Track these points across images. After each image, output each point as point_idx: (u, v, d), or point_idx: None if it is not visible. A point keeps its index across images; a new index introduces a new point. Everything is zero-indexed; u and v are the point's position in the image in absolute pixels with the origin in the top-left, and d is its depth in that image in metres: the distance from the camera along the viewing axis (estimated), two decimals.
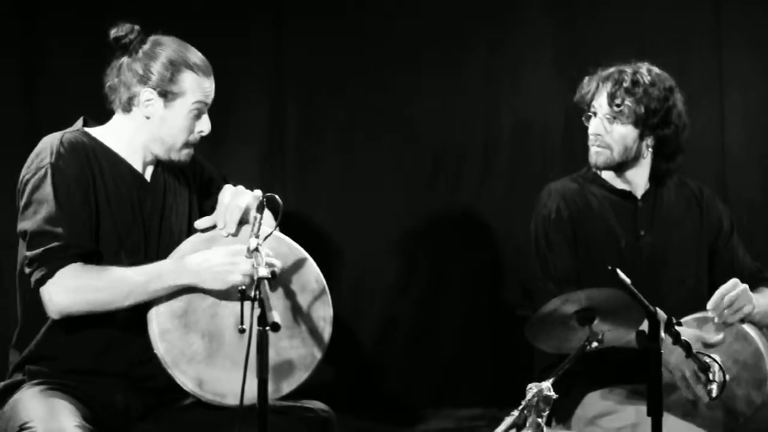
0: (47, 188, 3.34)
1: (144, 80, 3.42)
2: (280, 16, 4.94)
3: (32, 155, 3.43)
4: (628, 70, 3.89)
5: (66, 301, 3.32)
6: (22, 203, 3.39)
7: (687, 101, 3.99)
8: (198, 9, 4.81)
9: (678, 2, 4.94)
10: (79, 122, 3.54)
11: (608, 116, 3.89)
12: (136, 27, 3.46)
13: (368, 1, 4.98)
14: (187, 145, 3.49)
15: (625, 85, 3.86)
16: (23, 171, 3.42)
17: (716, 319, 3.72)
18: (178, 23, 3.60)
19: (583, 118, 3.95)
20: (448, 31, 4.99)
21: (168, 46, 3.45)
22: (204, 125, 3.50)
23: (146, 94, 3.43)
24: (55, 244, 3.31)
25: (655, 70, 3.92)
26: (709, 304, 3.72)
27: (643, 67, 3.91)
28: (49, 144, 3.41)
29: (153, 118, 3.45)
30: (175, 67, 3.42)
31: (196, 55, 3.47)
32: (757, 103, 4.95)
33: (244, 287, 3.12)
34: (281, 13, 4.94)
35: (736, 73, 4.93)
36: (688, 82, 4.20)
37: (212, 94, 3.49)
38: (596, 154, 3.93)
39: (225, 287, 3.32)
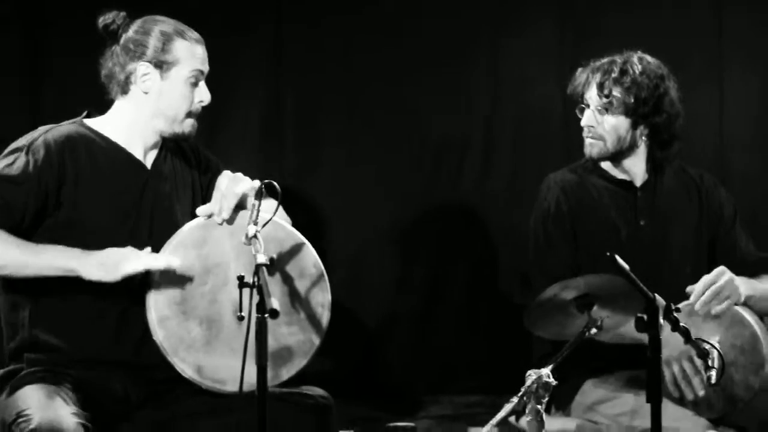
0: (7, 160, 3.39)
1: (138, 55, 3.47)
2: (280, 8, 4.94)
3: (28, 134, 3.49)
4: (619, 60, 3.88)
5: None
6: None
7: (686, 87, 3.97)
8: (197, 2, 4.81)
9: None
10: (81, 116, 3.56)
11: (599, 107, 3.88)
12: (122, 12, 3.51)
13: None
14: (189, 115, 3.52)
15: (613, 75, 3.84)
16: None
17: (700, 312, 3.70)
18: (177, 17, 3.60)
19: (576, 111, 3.95)
20: (449, 22, 4.99)
21: (157, 20, 3.52)
22: (203, 94, 3.53)
23: (142, 68, 3.47)
24: None
25: (647, 58, 3.90)
26: (692, 296, 3.71)
27: (634, 56, 3.88)
28: (40, 130, 3.47)
29: (151, 93, 3.48)
30: (166, 36, 3.47)
31: (184, 26, 3.53)
32: (757, 89, 4.95)
33: (243, 275, 3.12)
34: (281, 4, 4.94)
35: (736, 58, 4.93)
36: (687, 67, 4.21)
37: (207, 63, 3.53)
38: (590, 146, 3.92)
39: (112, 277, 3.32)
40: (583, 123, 3.91)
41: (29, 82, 4.79)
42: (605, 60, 3.91)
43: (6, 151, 3.44)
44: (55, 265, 3.33)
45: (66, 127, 3.49)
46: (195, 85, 3.51)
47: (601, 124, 3.88)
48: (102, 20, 3.50)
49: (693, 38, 4.92)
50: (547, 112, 4.96)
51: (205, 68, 3.53)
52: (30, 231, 3.40)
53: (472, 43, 5.00)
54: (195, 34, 3.53)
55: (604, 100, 3.86)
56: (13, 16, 4.75)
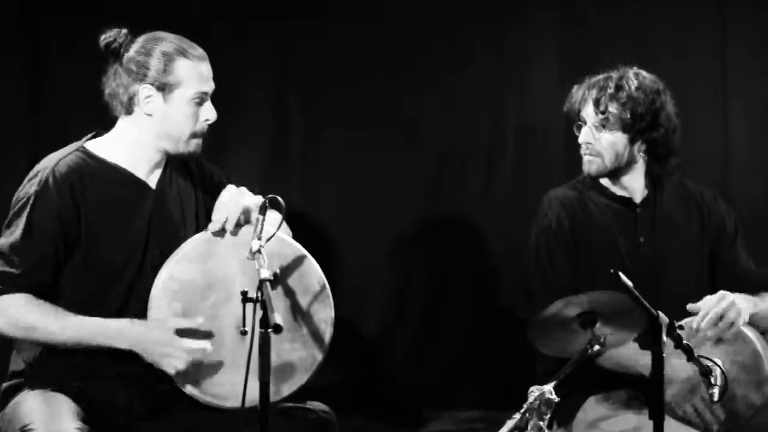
0: (23, 216, 3.36)
1: (140, 77, 3.41)
2: (282, 17, 4.95)
3: (29, 175, 3.44)
4: (614, 75, 3.87)
5: (2, 325, 3.35)
6: (7, 220, 3.42)
7: (691, 106, 3.97)
8: (199, 10, 4.81)
9: (681, 4, 4.94)
10: (85, 138, 3.51)
11: (596, 124, 3.87)
12: (123, 30, 3.45)
13: (371, 1, 4.98)
14: (194, 135, 3.48)
15: (609, 91, 3.84)
16: (19, 189, 3.45)
17: (701, 334, 3.71)
18: (179, 24, 3.59)
19: (573, 128, 3.95)
20: (452, 32, 4.99)
21: (158, 39, 3.45)
22: (209, 113, 3.48)
23: (145, 91, 3.42)
24: (9, 270, 3.34)
25: (642, 73, 3.90)
26: (695, 321, 3.70)
27: (630, 72, 3.88)
28: (44, 168, 3.42)
29: (155, 115, 3.44)
30: (168, 57, 3.41)
31: (187, 43, 3.46)
32: (761, 107, 4.95)
33: (246, 290, 3.12)
34: (284, 13, 4.95)
35: (740, 75, 4.92)
36: (691, 84, 4.19)
37: (211, 81, 3.48)
38: (588, 163, 3.92)
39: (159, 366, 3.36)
40: (580, 140, 3.92)
41: (30, 82, 4.79)
42: (601, 76, 3.91)
43: (18, 201, 3.39)
44: (91, 343, 3.36)
45: (69, 159, 3.43)
46: (200, 104, 3.46)
47: (599, 141, 3.88)
48: (103, 38, 3.45)
49: (697, 56, 4.92)
50: (550, 121, 4.95)
51: (210, 86, 3.47)
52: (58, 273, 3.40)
53: (475, 52, 5.00)
54: (198, 51, 3.46)
55: (601, 116, 3.86)
56: (13, 15, 4.75)
